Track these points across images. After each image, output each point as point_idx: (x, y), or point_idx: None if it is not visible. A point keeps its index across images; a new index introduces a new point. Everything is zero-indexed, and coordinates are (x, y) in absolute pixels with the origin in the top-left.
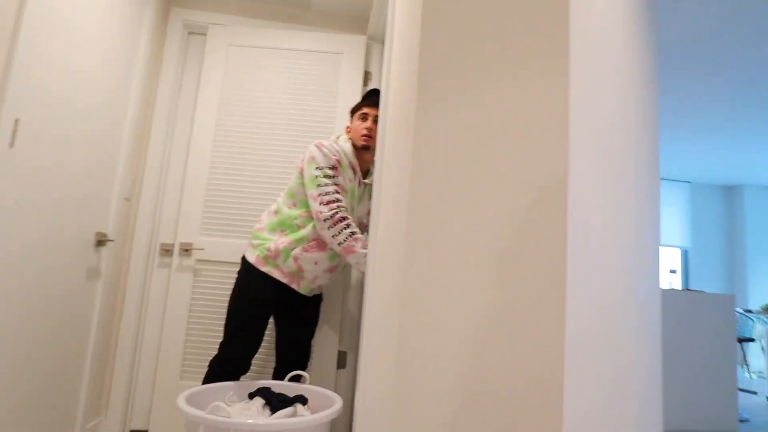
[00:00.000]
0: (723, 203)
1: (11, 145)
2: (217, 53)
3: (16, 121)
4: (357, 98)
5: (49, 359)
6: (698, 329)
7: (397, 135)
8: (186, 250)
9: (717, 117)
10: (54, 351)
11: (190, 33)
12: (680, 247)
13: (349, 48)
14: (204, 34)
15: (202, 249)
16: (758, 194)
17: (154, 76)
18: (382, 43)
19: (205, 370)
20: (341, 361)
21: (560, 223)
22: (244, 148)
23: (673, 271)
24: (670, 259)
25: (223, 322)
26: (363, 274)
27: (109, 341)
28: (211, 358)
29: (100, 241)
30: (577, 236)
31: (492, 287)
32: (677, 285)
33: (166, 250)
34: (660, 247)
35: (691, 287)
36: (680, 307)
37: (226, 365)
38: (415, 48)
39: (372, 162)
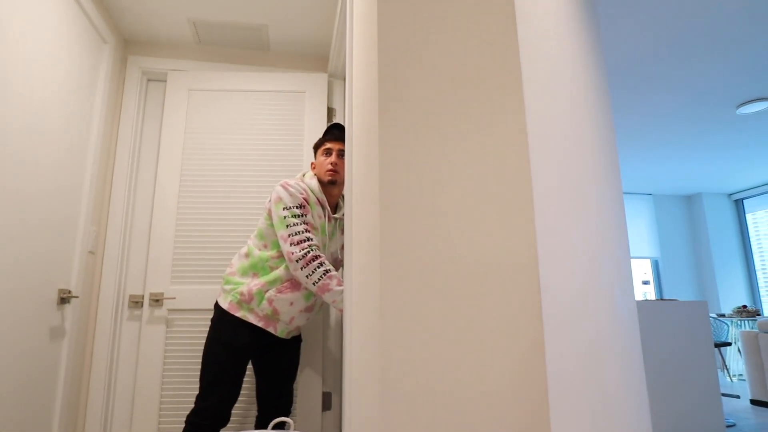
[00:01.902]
0: (685, 212)
1: None
2: (177, 99)
3: None
4: None
5: (12, 425)
6: (675, 338)
7: (363, 169)
8: (157, 301)
9: (670, 131)
10: (17, 417)
11: (149, 80)
12: (651, 258)
13: (312, 86)
14: (164, 81)
15: (174, 298)
16: (716, 201)
17: (114, 126)
18: (344, 79)
19: (183, 426)
20: (326, 403)
21: (529, 242)
22: (211, 192)
23: (646, 282)
24: (642, 271)
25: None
26: (341, 312)
27: (78, 403)
28: (188, 412)
29: (64, 298)
30: (546, 255)
31: (466, 315)
32: (651, 295)
33: (136, 302)
34: (630, 258)
35: (665, 297)
36: (655, 317)
37: (204, 419)
38: (374, 82)
39: (340, 196)
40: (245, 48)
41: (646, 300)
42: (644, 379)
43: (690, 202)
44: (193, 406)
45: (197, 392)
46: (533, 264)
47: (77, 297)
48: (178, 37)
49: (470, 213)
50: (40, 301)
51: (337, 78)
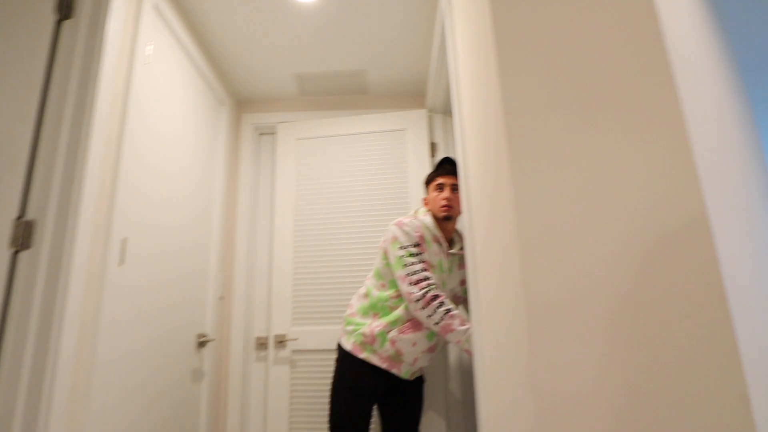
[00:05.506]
0: None
1: (120, 262)
2: (287, 148)
3: (124, 240)
4: (426, 170)
5: None
6: None
7: (487, 203)
8: (280, 342)
9: None
10: None
11: (261, 134)
12: None
13: (412, 123)
14: (273, 133)
15: (296, 339)
16: None
17: (233, 179)
18: (444, 113)
19: None
20: None
21: (709, 268)
22: (324, 235)
23: None
24: None
25: (325, 413)
26: (467, 352)
27: None
28: None
29: (201, 342)
30: (731, 276)
31: (627, 355)
32: None
33: (262, 344)
34: None
35: None
36: None
37: None
38: (497, 111)
39: (455, 231)
40: (345, 93)
41: None
42: None
43: None
44: None
45: None
46: (719, 298)
47: (213, 340)
48: (284, 92)
49: (627, 237)
50: (184, 345)
51: (436, 112)
